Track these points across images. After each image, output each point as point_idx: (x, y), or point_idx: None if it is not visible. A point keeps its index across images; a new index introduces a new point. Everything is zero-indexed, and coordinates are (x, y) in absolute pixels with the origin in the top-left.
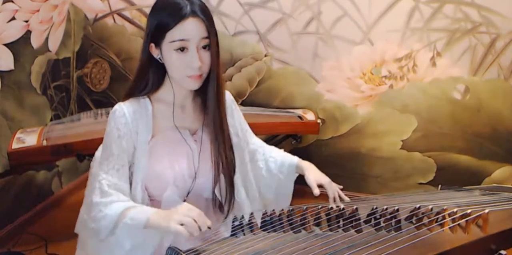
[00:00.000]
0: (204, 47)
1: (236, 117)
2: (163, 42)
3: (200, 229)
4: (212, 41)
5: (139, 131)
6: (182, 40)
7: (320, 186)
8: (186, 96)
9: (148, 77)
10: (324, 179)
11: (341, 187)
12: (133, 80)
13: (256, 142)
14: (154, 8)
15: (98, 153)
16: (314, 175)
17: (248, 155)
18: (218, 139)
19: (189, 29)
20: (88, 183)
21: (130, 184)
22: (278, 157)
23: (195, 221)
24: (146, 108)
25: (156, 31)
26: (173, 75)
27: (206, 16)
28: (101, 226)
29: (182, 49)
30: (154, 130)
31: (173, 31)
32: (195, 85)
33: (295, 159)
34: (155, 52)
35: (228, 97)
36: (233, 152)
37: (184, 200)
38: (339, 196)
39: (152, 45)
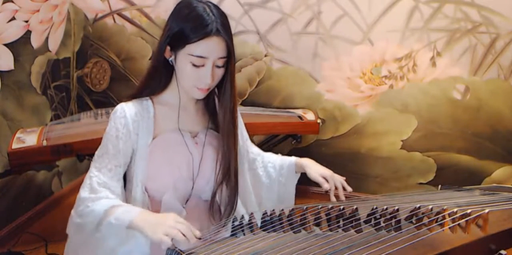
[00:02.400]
0: (218, 65)
1: (239, 126)
2: (180, 51)
3: (188, 241)
4: (231, 61)
5: (139, 133)
6: (201, 57)
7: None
8: (190, 99)
9: (159, 77)
10: (326, 172)
11: (344, 178)
12: (144, 79)
13: (255, 151)
14: (179, 14)
15: None
16: (316, 170)
17: (247, 164)
18: (229, 146)
19: (211, 48)
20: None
21: (125, 184)
22: (276, 161)
23: (182, 233)
24: (148, 110)
25: (177, 38)
26: (182, 83)
27: (229, 35)
28: (86, 221)
29: (198, 65)
30: (155, 133)
31: (194, 45)
32: (201, 95)
33: (293, 158)
34: (168, 54)
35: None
36: (236, 161)
37: (186, 202)
38: (343, 187)
39: (168, 47)
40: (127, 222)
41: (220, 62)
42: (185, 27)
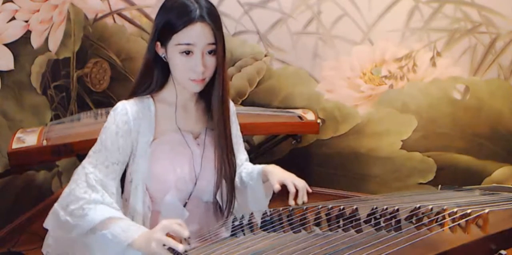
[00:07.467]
0: (210, 52)
1: (234, 131)
2: (169, 43)
3: (181, 241)
4: (218, 47)
5: (140, 131)
6: (188, 44)
7: (282, 185)
8: (189, 98)
9: (153, 76)
10: (286, 176)
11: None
12: (137, 78)
13: (242, 158)
14: (163, 7)
15: None
16: (276, 175)
17: None
18: (221, 143)
19: (196, 34)
20: (75, 172)
21: (123, 186)
22: (249, 167)
23: (172, 238)
24: (149, 108)
25: (163, 31)
26: (176, 76)
27: (214, 22)
28: (78, 224)
29: (187, 52)
30: (156, 131)
31: (180, 34)
32: (197, 88)
33: (262, 166)
34: (160, 51)
35: (231, 108)
36: (234, 157)
37: (185, 204)
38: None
39: (158, 43)
40: (127, 242)
41: (209, 48)
42: (170, 17)
